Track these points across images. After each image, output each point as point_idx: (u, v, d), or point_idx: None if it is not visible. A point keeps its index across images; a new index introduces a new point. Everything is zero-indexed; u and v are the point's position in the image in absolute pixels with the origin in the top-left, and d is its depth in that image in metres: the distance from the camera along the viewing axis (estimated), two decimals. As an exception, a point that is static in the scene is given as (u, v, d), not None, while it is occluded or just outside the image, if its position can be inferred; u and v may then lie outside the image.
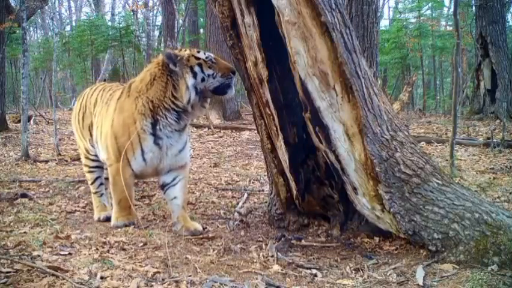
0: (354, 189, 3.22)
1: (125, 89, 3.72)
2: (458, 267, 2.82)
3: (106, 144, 3.66)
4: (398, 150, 3.11)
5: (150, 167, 3.59)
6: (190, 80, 3.46)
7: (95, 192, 4.14)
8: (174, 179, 3.67)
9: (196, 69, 3.47)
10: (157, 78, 3.51)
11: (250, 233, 3.71)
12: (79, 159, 4.97)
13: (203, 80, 3.47)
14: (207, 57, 3.51)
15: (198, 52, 3.54)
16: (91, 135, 4.05)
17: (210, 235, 3.56)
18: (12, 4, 12.12)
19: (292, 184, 3.65)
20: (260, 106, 3.59)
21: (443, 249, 2.93)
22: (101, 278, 2.62)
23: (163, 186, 3.72)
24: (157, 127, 3.50)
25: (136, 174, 3.62)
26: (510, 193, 4.69)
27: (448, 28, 18.27)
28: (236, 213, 4.21)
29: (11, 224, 3.70)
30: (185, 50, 3.58)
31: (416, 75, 15.03)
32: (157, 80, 3.51)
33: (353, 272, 2.93)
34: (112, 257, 2.98)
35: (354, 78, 3.09)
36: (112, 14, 21.87)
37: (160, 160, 3.57)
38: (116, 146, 3.56)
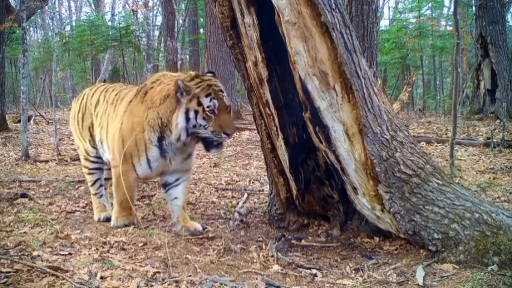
0: (354, 189, 3.22)
1: (139, 93, 3.62)
2: (458, 267, 2.82)
3: (113, 145, 3.65)
4: (398, 150, 3.11)
5: (155, 173, 3.62)
6: (181, 122, 3.36)
7: (95, 194, 4.14)
8: (177, 180, 3.68)
9: (191, 114, 3.34)
10: (170, 97, 3.40)
11: (250, 233, 3.71)
12: (79, 159, 4.98)
13: (194, 126, 3.35)
14: (208, 106, 3.32)
15: (207, 96, 3.33)
16: (91, 135, 4.05)
17: (210, 235, 3.55)
18: (12, 4, 12.13)
19: (292, 184, 3.65)
20: (260, 106, 3.59)
21: (443, 249, 2.93)
22: (101, 278, 2.62)
23: (165, 186, 3.73)
24: (163, 142, 3.47)
25: (140, 178, 3.63)
26: (510, 193, 4.69)
27: (448, 28, 18.29)
28: (236, 213, 4.22)
29: (11, 224, 3.70)
30: (199, 87, 3.36)
31: (416, 75, 15.03)
32: (169, 99, 3.40)
33: (353, 272, 2.94)
34: (112, 257, 2.98)
35: (354, 78, 3.09)
36: (112, 14, 21.89)
37: (165, 167, 3.57)
38: (123, 149, 3.55)
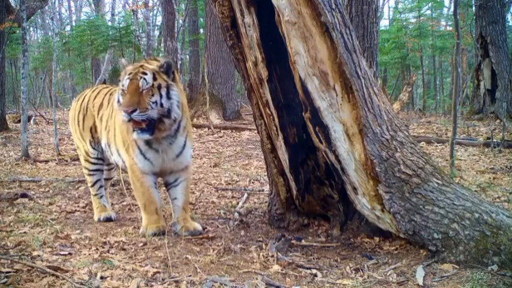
0: (354, 189, 3.22)
1: None
2: (458, 267, 2.82)
3: (121, 144, 3.65)
4: (398, 150, 3.11)
5: (157, 166, 3.55)
6: (115, 102, 3.42)
7: (95, 195, 4.13)
8: (176, 180, 3.67)
9: (119, 92, 3.40)
10: None
11: (250, 233, 3.71)
12: (78, 159, 4.98)
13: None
14: (123, 85, 3.33)
15: (128, 75, 3.33)
16: (93, 137, 4.05)
17: (210, 235, 3.56)
18: (12, 4, 12.13)
19: (292, 184, 3.65)
20: (260, 106, 3.59)
21: (443, 249, 2.93)
22: (101, 278, 2.62)
23: (166, 185, 3.76)
24: None
25: (146, 172, 3.54)
26: (510, 193, 4.69)
27: (448, 28, 18.27)
28: (236, 213, 4.22)
29: (11, 224, 3.70)
30: (131, 67, 3.40)
31: (416, 75, 15.04)
32: None
33: (353, 272, 2.93)
34: (112, 257, 2.98)
35: (354, 78, 3.09)
36: (112, 14, 21.87)
37: (161, 161, 3.54)
38: (123, 142, 3.59)
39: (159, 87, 3.32)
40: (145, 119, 3.25)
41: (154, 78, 3.31)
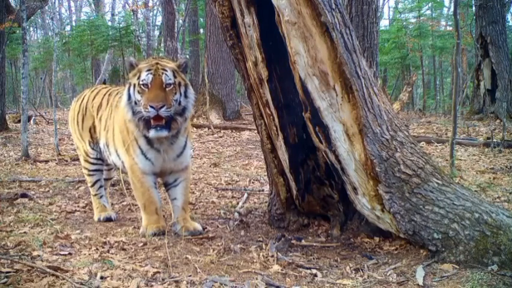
0: (354, 189, 3.22)
1: None
2: (458, 267, 2.82)
3: (120, 144, 3.64)
4: (398, 150, 3.11)
5: (158, 166, 3.55)
6: (124, 99, 3.41)
7: (95, 195, 4.13)
8: (175, 180, 3.67)
9: (131, 89, 3.38)
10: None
11: (250, 233, 3.71)
12: (78, 159, 4.99)
13: (135, 103, 3.34)
14: (142, 80, 3.30)
15: (147, 70, 3.32)
16: (92, 137, 4.05)
17: (210, 235, 3.56)
18: (12, 4, 12.13)
19: (292, 184, 3.65)
20: (260, 106, 3.59)
21: (443, 249, 2.93)
22: (101, 278, 2.62)
23: (166, 186, 3.75)
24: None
25: (146, 173, 3.54)
26: (510, 193, 4.69)
27: (448, 28, 18.28)
28: (236, 213, 4.22)
29: (11, 224, 3.70)
30: (146, 63, 3.41)
31: (416, 75, 15.04)
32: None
33: (353, 272, 2.93)
34: (112, 257, 2.98)
35: (354, 78, 3.09)
36: (112, 14, 21.88)
37: (161, 161, 3.54)
38: (123, 142, 3.58)
39: (179, 85, 3.38)
40: (168, 116, 3.28)
41: (175, 76, 3.37)
